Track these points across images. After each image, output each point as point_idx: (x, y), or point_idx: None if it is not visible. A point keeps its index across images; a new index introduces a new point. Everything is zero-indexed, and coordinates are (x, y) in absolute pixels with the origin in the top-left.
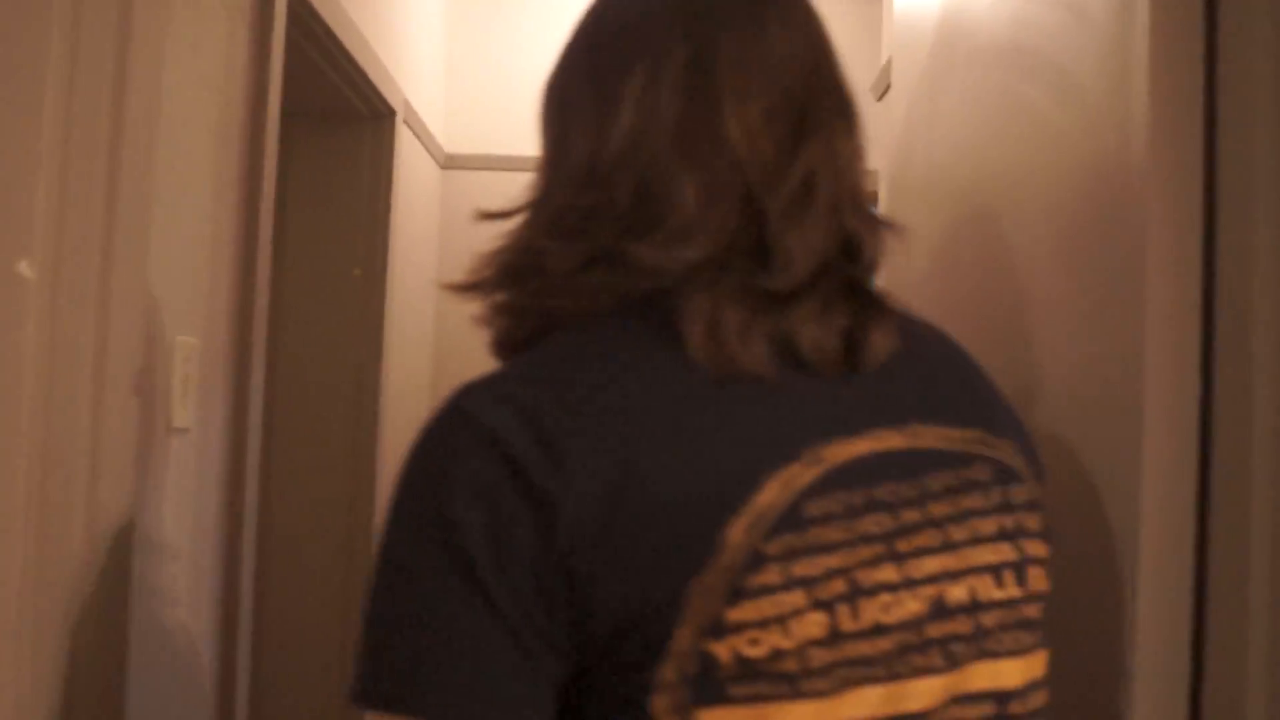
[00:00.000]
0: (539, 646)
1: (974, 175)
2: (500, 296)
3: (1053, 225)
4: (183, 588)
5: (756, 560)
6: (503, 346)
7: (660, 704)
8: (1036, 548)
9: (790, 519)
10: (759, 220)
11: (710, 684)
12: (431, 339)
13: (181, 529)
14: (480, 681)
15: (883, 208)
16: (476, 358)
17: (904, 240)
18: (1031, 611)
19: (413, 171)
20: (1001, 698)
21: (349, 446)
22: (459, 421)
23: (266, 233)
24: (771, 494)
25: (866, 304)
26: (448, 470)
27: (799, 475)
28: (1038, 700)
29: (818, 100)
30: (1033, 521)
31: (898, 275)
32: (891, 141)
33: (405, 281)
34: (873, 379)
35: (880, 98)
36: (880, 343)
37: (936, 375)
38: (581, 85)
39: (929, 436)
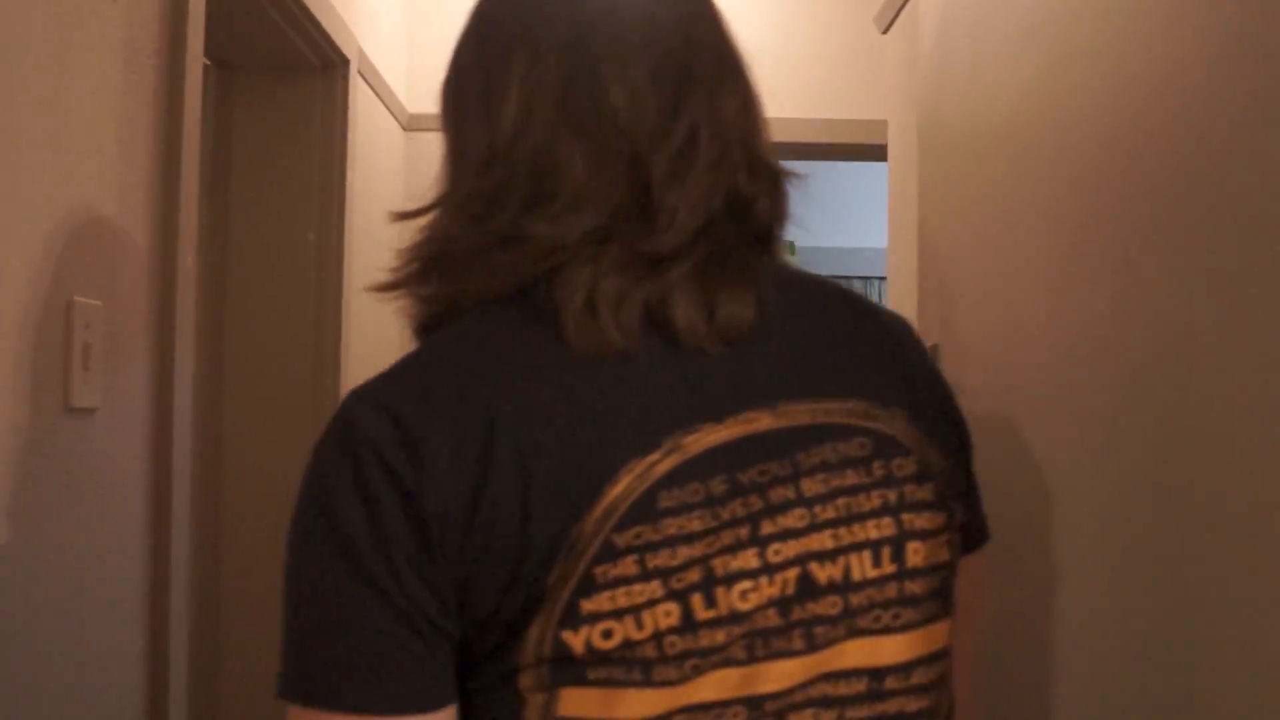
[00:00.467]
0: (433, 633)
1: (1040, 123)
2: (420, 289)
3: (1151, 181)
4: (98, 600)
5: (610, 552)
6: (418, 332)
7: (526, 682)
8: (924, 520)
9: (644, 510)
10: (646, 184)
11: (567, 668)
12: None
13: (90, 529)
14: (381, 671)
15: (896, 156)
16: None
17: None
18: (916, 587)
19: (371, 130)
20: (877, 674)
21: (307, 429)
22: (341, 430)
23: (190, 184)
24: (625, 485)
25: (733, 272)
26: (334, 476)
27: (656, 465)
28: (926, 675)
29: (698, 58)
30: (922, 493)
31: (939, 232)
32: (907, 81)
33: (367, 250)
34: (747, 353)
35: (886, 29)
36: (738, 315)
37: (818, 344)
38: (472, 77)
39: (802, 413)
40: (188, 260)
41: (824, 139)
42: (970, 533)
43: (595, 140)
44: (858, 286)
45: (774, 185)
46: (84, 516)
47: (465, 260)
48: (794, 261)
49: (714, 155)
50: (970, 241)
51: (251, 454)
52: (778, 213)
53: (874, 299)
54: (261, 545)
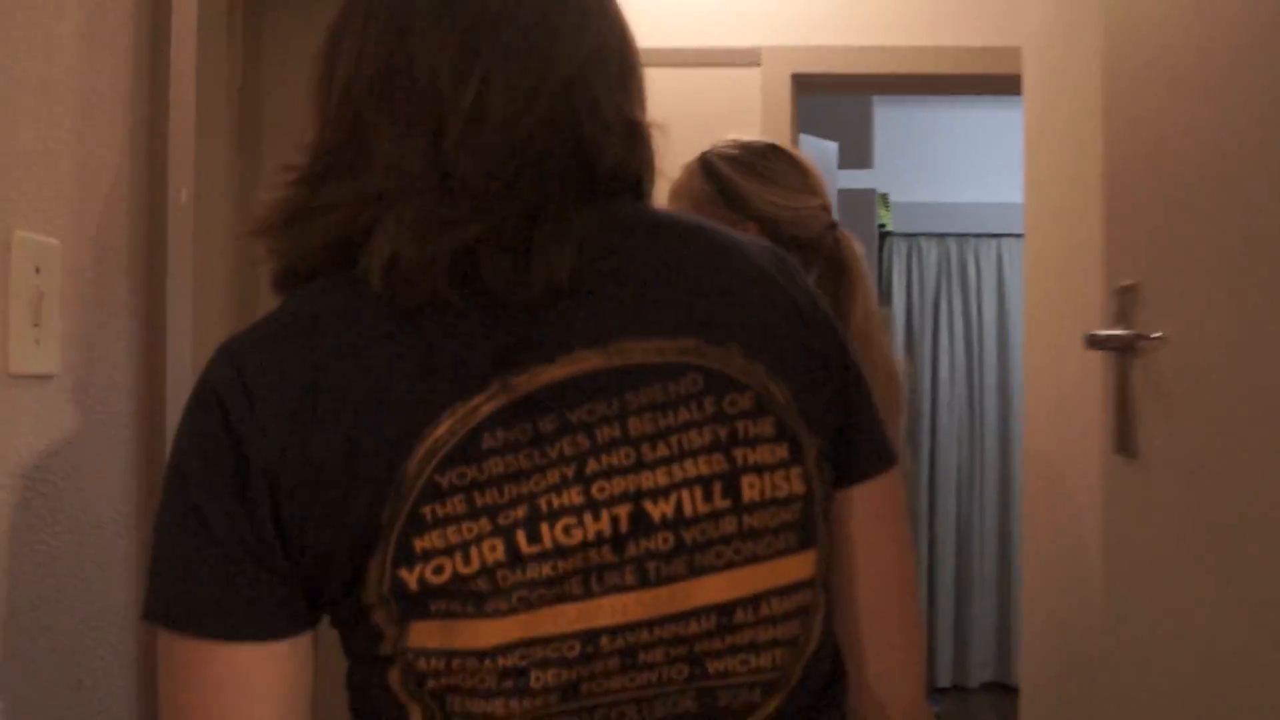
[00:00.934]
0: (266, 568)
1: None
2: (269, 242)
3: None
4: (71, 597)
5: (435, 492)
6: (273, 286)
7: (378, 617)
8: (761, 454)
9: (468, 450)
10: (441, 149)
11: (411, 603)
12: None
13: (55, 518)
14: (217, 601)
15: (1035, 87)
16: None
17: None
18: (757, 520)
19: None
20: (725, 609)
21: None
22: (201, 377)
23: (185, 94)
24: (447, 426)
25: (548, 224)
26: (186, 418)
27: (480, 406)
28: (780, 606)
29: (507, 22)
30: (760, 427)
31: (1134, 170)
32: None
33: None
34: (576, 298)
35: None
36: (553, 263)
37: (653, 285)
38: (321, 58)
39: (634, 352)
40: (181, 195)
41: (948, 69)
42: (853, 463)
43: (401, 110)
44: (950, 247)
45: (626, 136)
46: (45, 503)
47: (291, 221)
48: (885, 216)
49: (507, 114)
50: (1192, 184)
51: None
52: (632, 163)
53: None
54: None
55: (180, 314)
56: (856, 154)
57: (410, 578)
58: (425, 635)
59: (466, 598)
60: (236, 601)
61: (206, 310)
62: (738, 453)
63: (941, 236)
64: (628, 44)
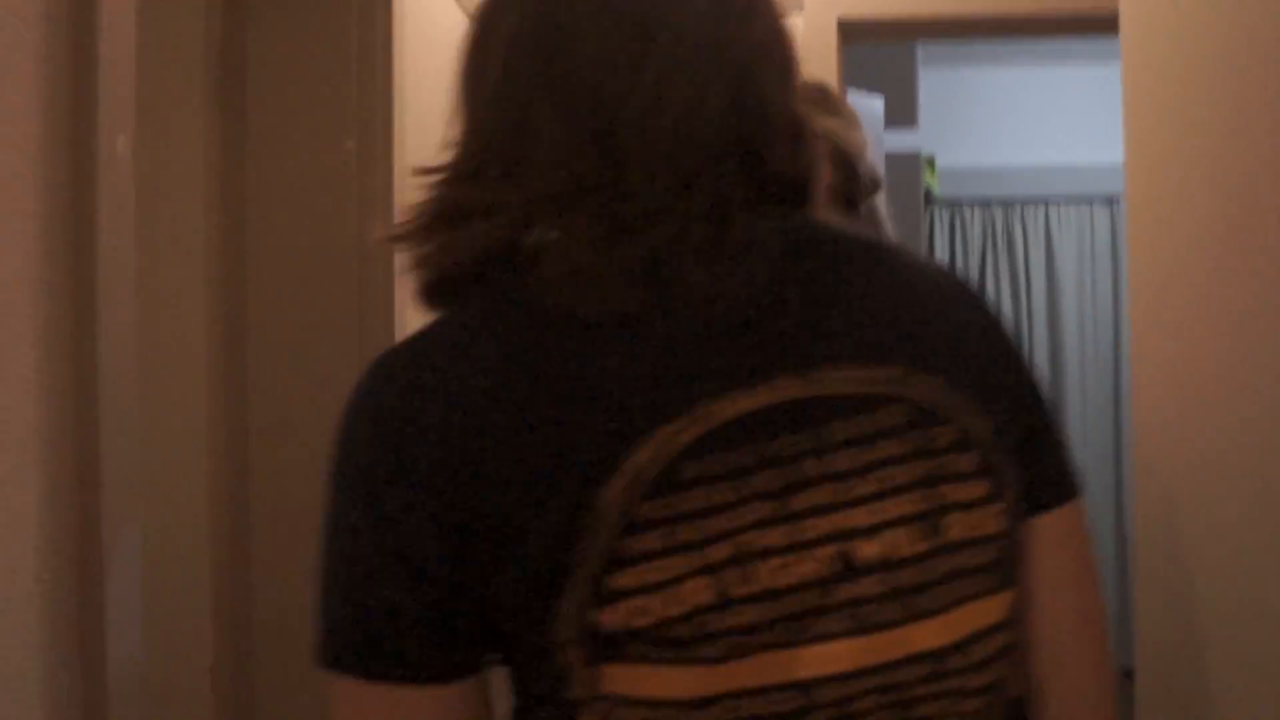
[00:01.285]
0: (443, 608)
1: None
2: (419, 247)
3: None
4: None
5: (634, 526)
6: (420, 296)
7: (563, 659)
8: (965, 491)
9: (669, 481)
10: (616, 144)
11: (604, 645)
12: None
13: None
14: (392, 642)
15: (1135, 27)
16: None
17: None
18: (964, 560)
19: (425, 21)
20: (937, 655)
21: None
22: (361, 400)
23: (122, 22)
24: (648, 454)
25: (735, 230)
26: (346, 446)
27: (680, 434)
28: (985, 649)
29: (671, 7)
30: (963, 463)
31: None
32: None
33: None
34: (770, 316)
35: None
36: (752, 273)
37: (851, 305)
38: (468, 53)
39: (834, 381)
40: (117, 143)
41: (1036, 10)
42: (1039, 493)
43: (565, 104)
44: (995, 215)
45: (793, 136)
46: None
47: (445, 224)
48: (931, 179)
49: (684, 106)
50: None
51: (285, 435)
52: (798, 165)
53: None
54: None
55: (117, 298)
56: (901, 113)
57: (607, 619)
58: (620, 681)
59: (667, 644)
60: (413, 642)
61: (175, 307)
62: (944, 489)
63: (986, 204)
64: (787, 36)
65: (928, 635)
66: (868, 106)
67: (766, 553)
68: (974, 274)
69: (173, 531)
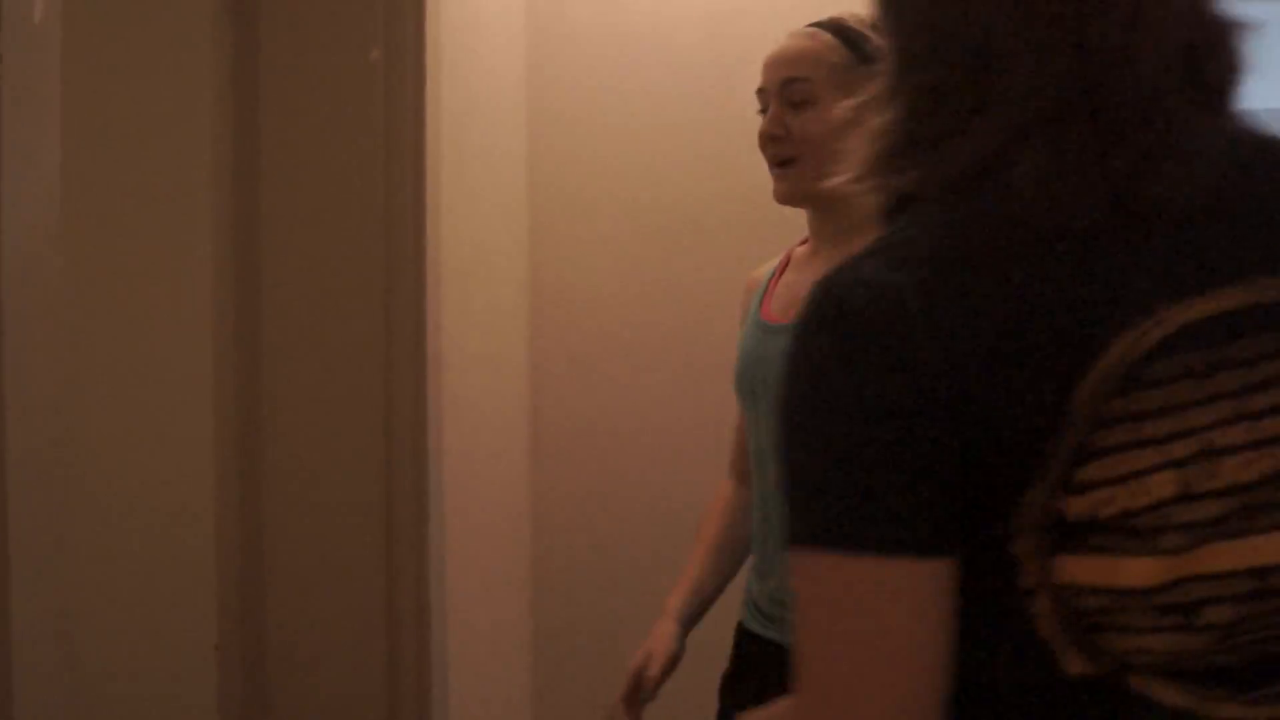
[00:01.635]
0: (938, 486)
1: None
2: (890, 177)
3: None
4: None
5: (1105, 420)
6: (883, 216)
7: (1020, 548)
8: None
9: (1134, 380)
10: (1091, 58)
11: (1066, 535)
12: (524, 194)
13: None
14: (889, 512)
15: None
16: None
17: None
18: None
19: None
20: None
21: (379, 366)
22: (830, 303)
23: None
24: (1117, 354)
25: (1196, 138)
26: (829, 347)
27: (1145, 336)
28: None
29: None
30: None
31: None
32: None
33: (458, 78)
34: (1220, 224)
35: None
36: (1198, 185)
37: None
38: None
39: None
40: (35, 9)
41: None
42: None
43: (1040, 30)
44: None
45: (1227, 39)
46: None
47: (916, 150)
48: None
49: (1156, 18)
50: None
51: (303, 421)
52: (1232, 69)
53: None
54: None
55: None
56: None
57: (1075, 507)
58: (1077, 570)
59: (1132, 533)
60: (910, 513)
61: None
62: None
63: None
64: None
65: None
66: None
67: (1229, 449)
68: None
69: (180, 516)
